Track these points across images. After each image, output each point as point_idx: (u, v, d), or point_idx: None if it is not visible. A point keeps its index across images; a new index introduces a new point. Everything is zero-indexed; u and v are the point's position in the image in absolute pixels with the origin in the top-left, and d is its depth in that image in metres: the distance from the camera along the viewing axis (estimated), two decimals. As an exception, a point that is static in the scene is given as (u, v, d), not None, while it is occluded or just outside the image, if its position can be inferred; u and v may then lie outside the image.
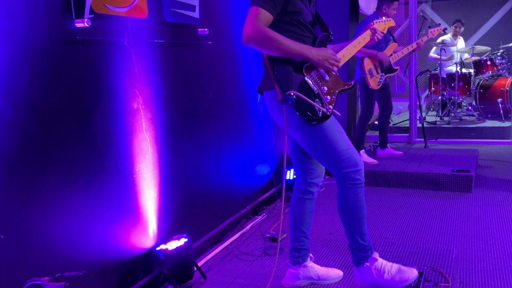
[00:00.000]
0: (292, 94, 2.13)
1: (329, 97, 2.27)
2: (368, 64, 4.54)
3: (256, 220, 3.70)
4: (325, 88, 2.26)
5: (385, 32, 2.54)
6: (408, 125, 6.35)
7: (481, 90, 6.81)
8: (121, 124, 2.39)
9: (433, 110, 7.70)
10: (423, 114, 6.35)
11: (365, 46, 2.50)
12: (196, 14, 2.94)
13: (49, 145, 1.99)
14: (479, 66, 6.96)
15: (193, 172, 3.01)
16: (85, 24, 2.07)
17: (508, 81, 6.62)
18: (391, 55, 4.68)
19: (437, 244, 2.99)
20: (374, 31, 2.43)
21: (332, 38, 2.34)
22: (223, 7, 3.33)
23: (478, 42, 7.98)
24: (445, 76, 6.95)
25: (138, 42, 2.48)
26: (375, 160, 4.78)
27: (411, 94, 6.19)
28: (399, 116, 7.62)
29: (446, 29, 5.14)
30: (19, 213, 1.86)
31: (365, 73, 4.54)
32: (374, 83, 4.61)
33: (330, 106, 2.25)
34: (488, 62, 6.84)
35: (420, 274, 2.43)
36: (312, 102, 2.17)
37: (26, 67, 1.88)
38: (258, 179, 3.93)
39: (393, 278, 2.31)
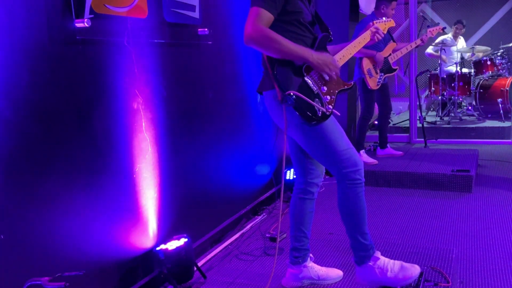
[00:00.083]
0: (291, 94, 2.13)
1: (328, 97, 2.27)
2: (367, 64, 4.54)
3: (256, 220, 3.70)
4: (325, 88, 2.26)
5: (385, 32, 2.54)
6: (408, 125, 6.35)
7: (481, 90, 6.81)
8: (121, 124, 2.39)
9: (433, 110, 7.70)
10: (423, 114, 6.35)
11: (364, 46, 2.50)
12: (196, 14, 2.94)
13: (49, 145, 1.99)
14: (479, 66, 6.96)
15: (193, 172, 3.01)
16: (85, 24, 2.07)
17: (508, 81, 6.62)
18: (390, 55, 4.68)
19: (437, 244, 2.99)
20: (376, 31, 2.42)
21: (332, 38, 2.34)
22: (223, 7, 3.33)
23: (478, 42, 7.98)
24: (445, 76, 6.95)
25: (138, 42, 2.48)
26: (375, 160, 4.78)
27: (411, 94, 6.19)
28: (399, 116, 7.62)
29: (445, 28, 5.14)
30: (19, 213, 1.86)
31: (364, 74, 4.55)
32: (373, 83, 4.61)
33: (330, 106, 2.25)
34: (488, 62, 6.84)
35: (420, 274, 2.43)
36: (312, 102, 2.17)
37: (26, 67, 1.88)
38: (258, 179, 3.93)
39: (397, 276, 2.31)
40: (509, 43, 7.01)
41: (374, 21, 2.50)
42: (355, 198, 2.28)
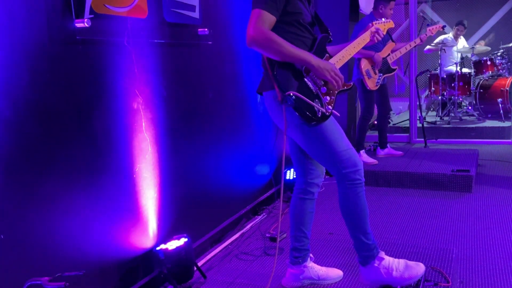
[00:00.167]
0: (291, 94, 2.13)
1: (328, 98, 2.27)
2: (365, 65, 4.54)
3: (256, 220, 3.70)
4: (325, 89, 2.26)
5: (384, 33, 2.54)
6: (408, 125, 6.35)
7: (481, 90, 6.81)
8: (121, 124, 2.39)
9: (433, 110, 7.70)
10: (423, 114, 6.35)
11: (363, 47, 2.50)
12: (196, 14, 2.94)
13: (49, 145, 1.99)
14: (479, 66, 6.96)
15: (193, 172, 3.01)
16: (85, 24, 2.07)
17: (508, 81, 6.62)
18: (388, 55, 4.67)
19: (437, 244, 2.99)
20: (376, 32, 2.42)
21: (331, 39, 2.34)
22: (223, 7, 3.33)
23: (478, 42, 7.98)
24: (445, 76, 6.95)
25: (138, 42, 2.49)
26: (375, 160, 4.79)
27: (411, 94, 6.19)
28: (399, 116, 7.62)
29: (445, 26, 5.13)
30: (19, 213, 1.86)
31: (362, 74, 4.54)
32: (372, 83, 4.61)
33: (330, 107, 2.26)
34: (488, 62, 6.84)
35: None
36: (312, 103, 2.17)
37: (26, 67, 1.88)
38: (258, 179, 3.94)
39: (402, 275, 2.31)
40: (509, 43, 7.01)
41: (374, 22, 2.51)
42: (355, 198, 2.28)
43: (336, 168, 2.26)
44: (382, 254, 2.35)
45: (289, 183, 4.02)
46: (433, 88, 7.20)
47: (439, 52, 7.00)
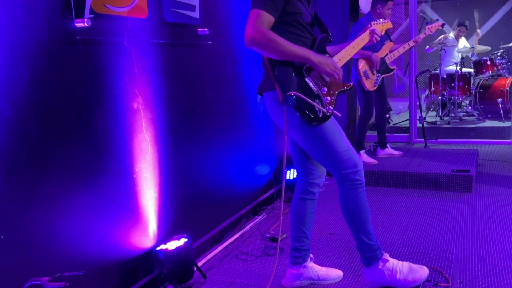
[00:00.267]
0: (292, 94, 2.13)
1: (329, 98, 2.27)
2: (363, 66, 4.53)
3: (256, 220, 3.70)
4: (325, 89, 2.27)
5: (383, 33, 2.56)
6: (408, 125, 6.36)
7: (481, 90, 6.81)
8: (121, 124, 2.39)
9: (433, 110, 7.70)
10: (423, 114, 6.35)
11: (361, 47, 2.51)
12: (196, 14, 2.94)
13: (49, 145, 1.99)
14: (479, 66, 6.96)
15: (193, 172, 3.01)
16: (85, 24, 2.07)
17: (508, 81, 6.62)
18: (387, 55, 4.67)
19: (437, 244, 2.99)
20: (373, 33, 2.43)
21: (331, 39, 2.34)
22: (223, 7, 3.33)
23: (478, 42, 7.97)
24: (445, 76, 6.95)
25: (138, 42, 2.48)
26: (375, 160, 4.79)
27: (411, 94, 6.19)
28: (399, 116, 7.62)
29: (444, 24, 5.12)
30: (19, 213, 1.86)
31: (360, 75, 4.53)
32: (369, 84, 4.60)
33: (330, 107, 2.26)
34: (488, 62, 6.84)
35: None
36: (313, 103, 2.18)
37: (26, 67, 1.88)
38: (258, 179, 3.94)
39: (406, 278, 2.31)
40: (509, 43, 7.01)
41: (372, 23, 2.52)
42: (356, 199, 2.28)
43: (336, 168, 2.26)
44: (386, 256, 2.35)
45: (290, 183, 4.02)
46: (433, 88, 7.20)
47: (440, 52, 6.99)
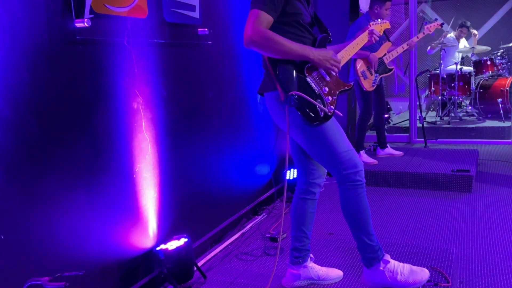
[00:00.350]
0: (294, 94, 2.13)
1: (330, 98, 2.27)
2: (361, 66, 4.53)
3: (256, 220, 3.70)
4: (326, 89, 2.27)
5: (381, 33, 2.56)
6: (408, 125, 6.35)
7: (481, 90, 6.81)
8: (121, 124, 2.39)
9: (433, 110, 7.70)
10: (423, 114, 6.35)
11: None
12: (196, 14, 2.94)
13: (49, 145, 1.99)
14: (479, 66, 6.96)
15: (193, 172, 3.01)
16: (85, 24, 2.07)
17: (508, 81, 6.62)
18: (385, 55, 4.66)
19: (437, 244, 2.99)
20: (372, 33, 2.44)
21: (331, 39, 2.34)
22: (223, 7, 3.33)
23: (478, 42, 7.98)
24: (445, 76, 6.95)
25: (138, 42, 2.48)
26: (375, 160, 4.78)
27: (411, 94, 6.19)
28: (399, 116, 7.62)
29: (443, 24, 5.11)
30: (19, 213, 1.86)
31: (358, 75, 4.53)
32: (368, 84, 4.60)
33: (332, 107, 2.26)
34: (488, 62, 6.84)
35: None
36: (315, 102, 2.18)
37: (26, 67, 1.88)
38: (258, 179, 3.94)
39: (407, 280, 2.31)
40: (509, 43, 7.01)
41: (371, 23, 2.53)
42: (356, 200, 2.28)
43: (336, 169, 2.26)
44: (388, 257, 2.35)
45: (290, 183, 4.02)
46: (433, 88, 7.20)
47: (440, 52, 6.99)
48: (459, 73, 6.77)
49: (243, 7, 3.51)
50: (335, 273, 2.57)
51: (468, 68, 7.03)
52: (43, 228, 1.96)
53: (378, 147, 5.19)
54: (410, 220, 3.49)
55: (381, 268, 2.32)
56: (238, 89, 3.56)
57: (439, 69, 6.99)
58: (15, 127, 1.84)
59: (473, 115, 6.93)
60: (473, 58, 7.26)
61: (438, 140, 6.18)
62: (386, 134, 5.26)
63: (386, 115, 6.73)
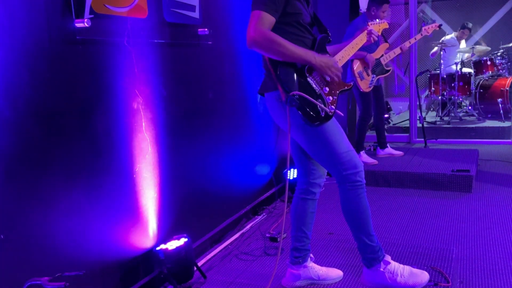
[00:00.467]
0: (295, 94, 2.13)
1: (331, 98, 2.27)
2: (358, 67, 4.52)
3: (256, 220, 3.70)
4: (327, 89, 2.27)
5: (380, 33, 2.56)
6: (408, 125, 6.35)
7: (481, 90, 6.81)
8: (121, 124, 2.39)
9: (433, 110, 7.70)
10: (423, 114, 6.35)
11: None
12: (196, 14, 2.94)
13: (49, 145, 1.99)
14: (479, 66, 6.96)
15: (193, 172, 3.01)
16: (85, 24, 2.07)
17: (508, 81, 6.62)
18: (382, 55, 4.66)
19: (437, 244, 2.99)
20: (370, 33, 2.44)
21: (330, 39, 2.34)
22: (223, 7, 3.33)
23: (478, 42, 7.98)
24: (445, 76, 6.96)
25: (138, 42, 2.49)
26: (375, 160, 4.78)
27: (411, 94, 6.19)
28: (399, 116, 7.62)
29: (441, 25, 5.10)
30: (19, 213, 1.86)
31: (354, 76, 4.53)
32: (364, 85, 4.59)
33: (332, 106, 2.26)
34: (488, 62, 6.84)
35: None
36: (316, 102, 2.18)
37: (26, 67, 1.88)
38: (258, 179, 3.94)
39: (407, 282, 2.31)
40: (509, 43, 7.01)
41: (369, 23, 2.53)
42: (357, 200, 2.28)
43: (336, 169, 2.26)
44: (388, 258, 2.35)
45: (290, 183, 4.02)
46: (433, 88, 7.20)
47: (440, 52, 7.00)
48: (459, 73, 6.77)
49: (243, 7, 3.51)
50: (335, 273, 2.57)
51: (467, 70, 7.03)
52: (43, 228, 1.96)
53: (378, 147, 5.19)
54: (410, 220, 3.49)
55: (381, 269, 2.32)
56: (238, 89, 3.56)
57: (439, 69, 6.99)
58: (15, 127, 1.84)
59: (473, 115, 6.93)
60: (473, 58, 7.26)
61: (438, 140, 6.18)
62: (386, 134, 5.26)
63: (386, 115, 6.74)
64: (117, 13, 2.28)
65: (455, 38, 7.43)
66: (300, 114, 2.17)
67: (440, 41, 7.04)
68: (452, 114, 6.92)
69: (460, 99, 7.08)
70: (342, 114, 2.29)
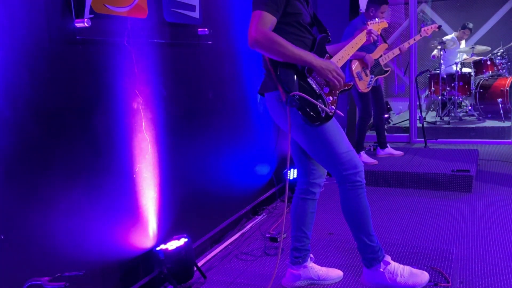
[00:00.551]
0: (295, 95, 2.13)
1: (331, 98, 2.27)
2: (356, 67, 4.51)
3: (256, 220, 3.70)
4: (327, 89, 2.27)
5: (379, 33, 2.56)
6: (408, 125, 6.35)
7: (481, 90, 6.81)
8: (121, 124, 2.39)
9: (433, 110, 7.70)
10: (423, 114, 6.35)
11: None
12: (196, 14, 2.94)
13: (49, 145, 1.99)
14: (479, 66, 6.96)
15: (193, 172, 3.01)
16: (85, 24, 2.07)
17: (508, 81, 6.62)
18: (380, 56, 4.65)
19: (437, 244, 2.99)
20: (370, 33, 2.44)
21: (330, 39, 2.34)
22: (223, 7, 3.33)
23: (478, 42, 7.98)
24: (445, 76, 6.96)
25: (138, 42, 2.48)
26: (375, 160, 4.78)
27: (411, 94, 6.19)
28: (399, 116, 7.62)
29: (440, 26, 5.10)
30: (19, 213, 1.86)
31: (353, 77, 4.52)
32: (363, 86, 4.58)
33: (333, 107, 2.26)
34: (488, 62, 6.84)
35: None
36: (316, 102, 2.18)
37: (26, 67, 1.88)
38: (258, 179, 3.93)
39: (406, 282, 2.31)
40: (509, 43, 7.01)
41: (368, 22, 2.53)
42: (357, 200, 2.28)
43: (336, 169, 2.26)
44: (388, 258, 2.36)
45: (290, 183, 4.02)
46: (433, 88, 7.20)
47: (441, 52, 6.99)
48: (459, 73, 6.77)
49: (243, 7, 3.51)
50: (335, 273, 2.57)
51: (466, 70, 7.03)
52: (43, 228, 1.96)
53: (378, 147, 5.19)
54: (410, 220, 3.49)
55: (381, 269, 2.32)
56: (238, 89, 3.55)
57: (439, 69, 6.99)
58: (15, 127, 1.84)
59: (473, 115, 6.93)
60: (472, 59, 7.26)
61: (438, 140, 6.18)
62: (386, 134, 5.26)
63: (386, 115, 6.74)
64: (117, 13, 2.28)
65: (456, 38, 7.42)
66: (300, 114, 2.17)
67: (440, 41, 7.03)
68: (452, 114, 6.92)
69: (460, 99, 7.08)
70: (342, 114, 2.29)
